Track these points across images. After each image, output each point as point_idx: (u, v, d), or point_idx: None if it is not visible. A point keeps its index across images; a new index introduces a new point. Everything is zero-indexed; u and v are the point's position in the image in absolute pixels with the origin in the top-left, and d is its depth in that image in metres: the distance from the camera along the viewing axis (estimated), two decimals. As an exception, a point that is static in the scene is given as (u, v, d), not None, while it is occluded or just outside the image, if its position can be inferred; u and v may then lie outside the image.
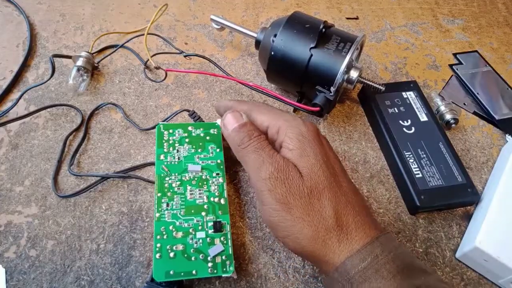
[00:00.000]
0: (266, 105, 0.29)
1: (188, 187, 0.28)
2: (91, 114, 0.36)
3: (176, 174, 0.28)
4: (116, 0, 0.47)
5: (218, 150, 0.30)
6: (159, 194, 0.27)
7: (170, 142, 0.30)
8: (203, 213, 0.27)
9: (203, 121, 0.34)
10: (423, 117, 0.36)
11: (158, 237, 0.25)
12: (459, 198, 0.31)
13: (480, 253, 0.28)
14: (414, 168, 0.32)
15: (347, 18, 0.48)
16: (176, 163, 0.29)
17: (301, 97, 0.36)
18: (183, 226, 0.26)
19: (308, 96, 0.36)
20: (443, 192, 0.31)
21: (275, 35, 0.34)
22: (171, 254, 0.25)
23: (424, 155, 0.33)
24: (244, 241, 0.30)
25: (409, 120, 0.36)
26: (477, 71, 0.43)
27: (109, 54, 0.40)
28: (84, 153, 0.34)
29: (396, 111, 0.36)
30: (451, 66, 0.44)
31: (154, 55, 0.40)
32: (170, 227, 0.26)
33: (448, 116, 0.36)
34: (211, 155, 0.30)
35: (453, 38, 0.47)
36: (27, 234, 0.29)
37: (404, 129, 0.35)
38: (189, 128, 0.31)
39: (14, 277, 0.27)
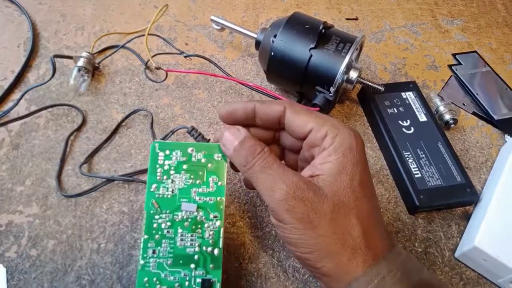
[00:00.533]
0: (300, 104, 0.26)
1: (180, 231, 0.24)
2: (122, 121, 0.36)
3: (168, 212, 0.24)
4: (116, 0, 0.47)
5: (220, 184, 0.25)
6: (145, 237, 0.24)
7: (165, 168, 0.25)
8: (192, 266, 0.23)
9: (206, 140, 0.29)
10: (422, 117, 0.36)
11: None
12: (458, 198, 0.31)
13: (479, 252, 0.28)
14: (413, 168, 0.32)
15: (347, 19, 0.48)
16: (169, 196, 0.25)
17: (301, 97, 0.37)
18: (168, 279, 0.23)
19: (308, 96, 0.36)
20: (442, 192, 0.31)
21: (275, 36, 0.34)
22: None
23: (423, 155, 0.33)
24: (244, 240, 0.30)
25: (408, 120, 0.36)
26: (476, 72, 0.43)
27: (110, 55, 0.40)
28: (85, 153, 0.34)
29: (396, 111, 0.36)
30: (450, 66, 0.44)
31: (155, 55, 0.40)
32: (154, 279, 0.23)
33: (447, 116, 0.37)
34: (211, 189, 0.25)
35: (452, 38, 0.47)
36: (28, 233, 0.29)
37: (404, 129, 0.35)
38: (189, 150, 0.26)
39: (15, 277, 0.28)
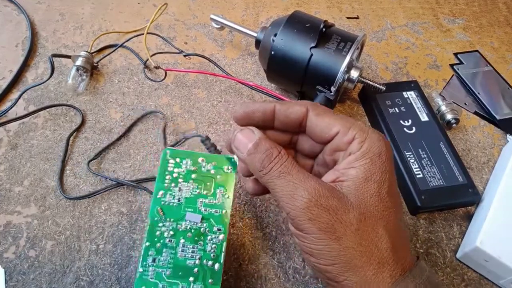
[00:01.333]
0: (319, 105, 0.24)
1: (182, 241, 0.24)
2: (137, 121, 0.36)
3: (172, 220, 0.24)
4: (115, -1, 0.47)
5: (227, 196, 0.25)
6: (147, 244, 0.23)
7: (174, 175, 0.25)
8: (191, 279, 0.23)
9: (218, 151, 0.28)
10: (424, 117, 0.36)
11: None
12: (460, 198, 0.31)
13: (481, 253, 0.28)
14: (415, 168, 0.32)
15: (348, 18, 0.48)
16: (175, 205, 0.24)
17: (301, 97, 0.36)
18: None
19: (309, 96, 0.36)
20: (444, 192, 0.31)
21: (275, 35, 0.34)
22: None
23: (425, 155, 0.33)
24: (244, 241, 0.30)
25: (410, 120, 0.36)
26: (478, 71, 0.43)
27: (109, 54, 0.40)
28: (84, 153, 0.34)
29: (397, 111, 0.36)
30: (452, 65, 0.43)
31: (154, 54, 0.40)
32: None
33: (449, 116, 0.36)
34: (217, 202, 0.25)
35: (454, 37, 0.47)
36: (26, 234, 0.29)
37: (405, 129, 0.35)
38: (200, 159, 0.26)
39: (13, 278, 0.27)
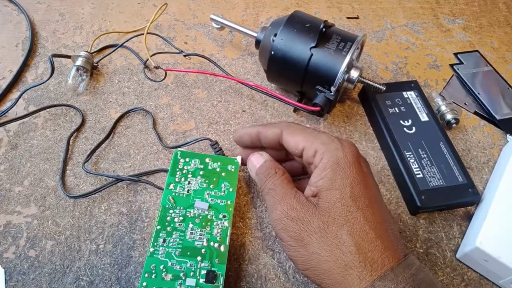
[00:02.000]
0: (298, 125, 0.27)
1: (190, 225, 0.26)
2: (119, 118, 0.36)
3: (181, 208, 0.27)
4: (115, -1, 0.47)
5: (231, 189, 0.28)
6: (158, 227, 0.26)
7: (184, 171, 0.28)
8: (199, 258, 0.25)
9: (224, 155, 0.31)
10: (424, 117, 0.36)
11: (146, 275, 0.24)
12: (459, 198, 0.31)
13: (480, 253, 0.28)
14: (415, 168, 0.32)
15: (348, 18, 0.48)
16: (184, 195, 0.27)
17: (301, 97, 0.36)
18: (174, 268, 0.24)
19: (309, 96, 0.36)
20: (443, 192, 0.31)
21: (275, 35, 0.33)
22: None
23: (425, 155, 0.33)
24: (244, 241, 0.30)
25: (409, 120, 0.36)
26: (478, 71, 0.43)
27: (109, 54, 0.40)
28: (84, 153, 0.34)
29: (397, 111, 0.36)
30: (452, 65, 0.43)
31: (154, 54, 0.40)
32: (161, 267, 0.24)
33: (449, 116, 0.36)
34: (222, 193, 0.28)
35: (453, 37, 0.47)
36: (26, 234, 0.29)
37: (405, 129, 0.35)
38: (207, 160, 0.29)
39: (13, 278, 0.27)
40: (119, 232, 0.30)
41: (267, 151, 0.28)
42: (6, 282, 0.27)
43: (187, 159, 0.29)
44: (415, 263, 0.21)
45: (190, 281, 0.24)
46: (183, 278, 0.24)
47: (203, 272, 0.24)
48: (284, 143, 0.26)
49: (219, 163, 0.29)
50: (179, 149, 0.29)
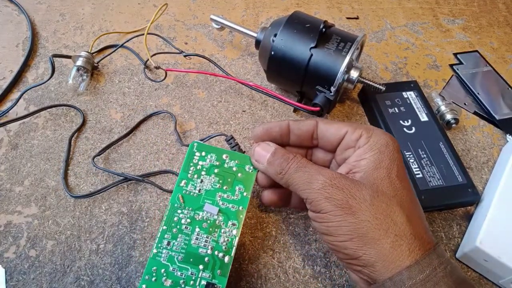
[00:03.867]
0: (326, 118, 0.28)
1: (197, 229, 0.25)
2: (143, 120, 0.36)
3: (190, 209, 0.25)
4: (116, 0, 0.47)
5: (245, 194, 0.26)
6: (164, 227, 0.25)
7: (198, 167, 0.27)
8: (201, 267, 0.24)
9: (242, 151, 0.28)
10: (424, 117, 0.36)
11: (147, 277, 0.23)
12: (459, 198, 0.31)
13: (480, 253, 0.28)
14: (415, 168, 0.32)
15: (348, 18, 0.48)
16: (195, 195, 0.26)
17: (301, 97, 0.36)
18: (175, 274, 0.24)
19: (308, 96, 0.36)
20: (443, 192, 0.31)
21: (275, 35, 0.34)
22: None
23: (425, 155, 0.33)
24: (244, 241, 0.30)
25: (409, 120, 0.36)
26: (477, 71, 0.43)
27: (109, 54, 0.40)
28: (84, 153, 0.34)
29: (397, 111, 0.36)
30: (451, 66, 0.44)
31: (154, 54, 0.40)
32: (162, 271, 0.24)
33: (448, 116, 0.36)
34: (235, 197, 0.26)
35: (453, 38, 0.47)
36: (27, 234, 0.29)
37: (405, 129, 0.35)
38: (224, 156, 0.27)
39: (14, 277, 0.27)
40: (119, 232, 0.30)
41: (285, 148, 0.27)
42: (6, 281, 0.27)
43: (203, 153, 0.27)
44: (445, 250, 0.22)
45: None
46: (182, 286, 0.23)
47: (203, 282, 0.23)
48: (321, 131, 0.26)
49: (236, 161, 0.27)
50: (195, 140, 0.28)
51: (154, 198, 0.31)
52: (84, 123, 0.36)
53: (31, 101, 0.37)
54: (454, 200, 0.31)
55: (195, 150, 0.27)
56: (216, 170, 0.27)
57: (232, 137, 0.29)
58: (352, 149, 0.25)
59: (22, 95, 0.35)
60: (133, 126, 0.35)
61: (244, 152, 0.28)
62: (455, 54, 0.45)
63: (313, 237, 0.30)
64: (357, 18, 0.48)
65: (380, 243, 0.20)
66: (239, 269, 0.28)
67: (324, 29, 0.33)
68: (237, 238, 0.25)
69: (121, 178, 0.31)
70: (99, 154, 0.32)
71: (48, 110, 0.36)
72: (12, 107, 0.35)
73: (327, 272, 0.29)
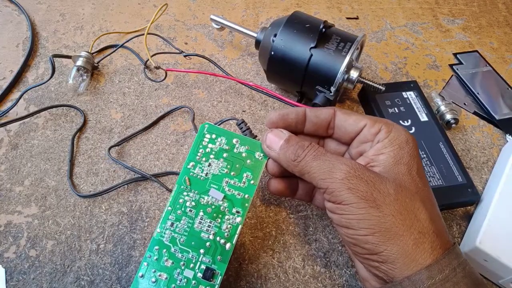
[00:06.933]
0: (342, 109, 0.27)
1: (201, 213, 0.25)
2: (164, 115, 0.36)
3: (196, 192, 0.25)
4: (116, 0, 0.47)
5: (252, 182, 0.25)
6: (169, 208, 0.25)
7: (207, 150, 0.26)
8: (202, 251, 0.24)
9: (253, 135, 0.28)
10: (423, 117, 0.36)
11: (149, 255, 0.24)
12: (459, 198, 0.31)
13: (480, 253, 0.28)
14: (414, 168, 0.32)
15: (347, 18, 0.48)
16: (202, 179, 0.25)
17: (301, 97, 0.36)
18: (176, 255, 0.24)
19: (308, 96, 0.36)
20: (443, 192, 0.31)
21: (275, 35, 0.34)
22: (153, 280, 0.23)
23: (424, 155, 0.33)
24: (244, 241, 0.30)
25: (409, 120, 0.36)
26: (477, 71, 0.43)
27: (109, 54, 0.40)
28: (84, 153, 0.34)
29: (397, 111, 0.36)
30: (451, 66, 0.44)
31: (154, 55, 0.40)
32: (164, 251, 0.24)
33: (448, 116, 0.36)
34: (242, 185, 0.25)
35: (453, 38, 0.47)
36: (27, 234, 0.29)
37: (404, 129, 0.35)
38: (234, 140, 0.26)
39: (14, 277, 0.27)
40: (119, 232, 0.30)
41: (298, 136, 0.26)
42: (6, 281, 0.27)
43: (214, 136, 0.26)
44: (461, 252, 0.22)
45: (188, 273, 0.23)
46: (182, 267, 0.24)
47: (203, 267, 0.24)
48: (338, 121, 0.25)
49: (246, 147, 0.26)
50: (207, 122, 0.27)
51: (154, 198, 0.32)
52: (85, 123, 0.36)
53: (31, 101, 0.37)
54: (454, 200, 0.31)
55: (206, 132, 0.26)
56: (225, 155, 0.26)
57: (243, 121, 0.28)
58: (369, 143, 0.24)
59: (22, 95, 0.35)
60: (152, 121, 0.35)
61: (256, 137, 0.28)
62: (455, 54, 0.45)
63: (313, 237, 0.30)
64: (357, 18, 0.48)
65: (403, 239, 0.20)
66: (239, 269, 0.28)
67: (324, 29, 0.33)
68: (240, 226, 0.25)
69: (130, 177, 0.32)
70: (116, 145, 0.32)
71: (48, 110, 0.36)
72: (12, 107, 0.35)
73: (327, 272, 0.29)
